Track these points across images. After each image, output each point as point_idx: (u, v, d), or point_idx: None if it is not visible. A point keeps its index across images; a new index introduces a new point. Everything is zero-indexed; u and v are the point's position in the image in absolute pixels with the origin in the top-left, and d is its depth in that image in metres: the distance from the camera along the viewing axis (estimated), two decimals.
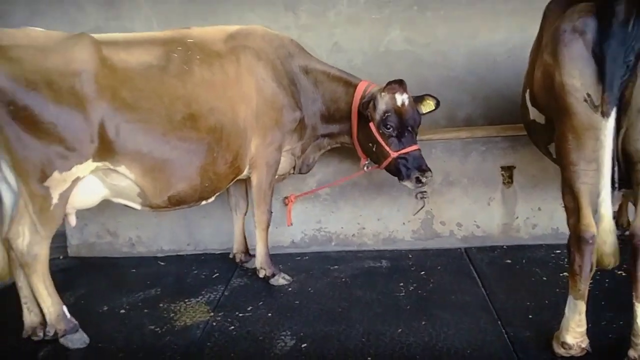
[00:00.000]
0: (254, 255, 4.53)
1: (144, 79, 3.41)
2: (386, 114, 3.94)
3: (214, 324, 3.68)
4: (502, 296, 3.85)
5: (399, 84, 3.92)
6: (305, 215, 4.92)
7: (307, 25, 5.36)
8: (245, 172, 4.10)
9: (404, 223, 4.88)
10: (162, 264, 4.86)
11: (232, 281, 4.39)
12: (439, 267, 4.43)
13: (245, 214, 4.61)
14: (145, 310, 3.93)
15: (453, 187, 4.80)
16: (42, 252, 3.27)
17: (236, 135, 3.75)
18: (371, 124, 4.01)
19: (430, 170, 4.00)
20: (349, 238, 4.93)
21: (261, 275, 4.26)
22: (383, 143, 3.99)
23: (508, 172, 4.75)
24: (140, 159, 3.41)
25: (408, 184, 4.05)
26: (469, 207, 4.82)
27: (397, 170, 4.06)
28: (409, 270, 4.40)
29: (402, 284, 4.14)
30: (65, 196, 3.27)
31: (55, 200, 3.22)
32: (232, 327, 3.62)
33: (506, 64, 5.31)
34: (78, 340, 3.47)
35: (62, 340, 3.44)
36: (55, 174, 3.17)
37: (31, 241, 3.22)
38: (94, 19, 5.36)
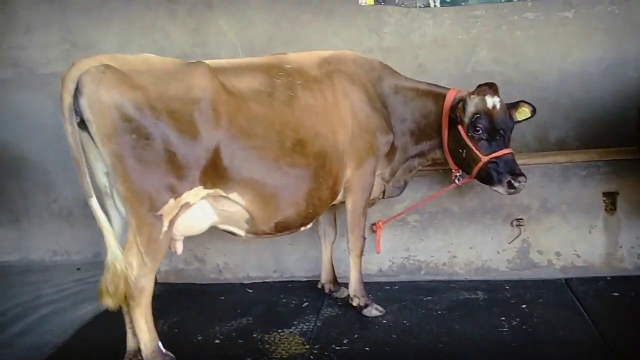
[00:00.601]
0: (342, 285, 4.48)
1: (257, 105, 3.40)
2: (475, 116, 3.77)
3: (312, 357, 3.60)
4: (615, 333, 3.61)
5: (489, 86, 3.79)
6: (394, 243, 4.79)
7: (391, 48, 5.30)
8: (339, 198, 4.04)
9: (498, 252, 4.67)
10: (250, 291, 4.82)
11: (322, 311, 4.30)
12: (540, 300, 4.21)
13: (333, 243, 4.53)
14: (240, 341, 3.89)
15: (551, 214, 4.57)
16: (148, 285, 3.23)
17: (336, 159, 3.74)
18: (460, 128, 3.86)
19: (524, 175, 3.78)
20: (439, 267, 4.76)
21: (354, 303, 4.15)
22: (473, 147, 3.83)
23: (611, 199, 4.49)
24: (253, 186, 3.40)
25: (499, 189, 3.85)
26: (569, 235, 4.58)
27: (488, 175, 3.86)
28: (509, 303, 4.20)
29: (503, 318, 3.94)
30: (173, 222, 3.23)
31: (165, 228, 3.18)
32: None
33: (602, 84, 5.09)
34: None
35: None
36: (170, 202, 3.13)
37: (139, 274, 3.15)
38: (180, 46, 5.46)
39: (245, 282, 4.98)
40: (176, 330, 4.12)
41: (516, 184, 3.76)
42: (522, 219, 4.57)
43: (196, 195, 3.26)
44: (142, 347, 3.33)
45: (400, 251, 4.78)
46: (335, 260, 4.61)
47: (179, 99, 3.09)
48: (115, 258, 3.07)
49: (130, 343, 3.55)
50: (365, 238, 4.13)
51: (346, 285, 4.42)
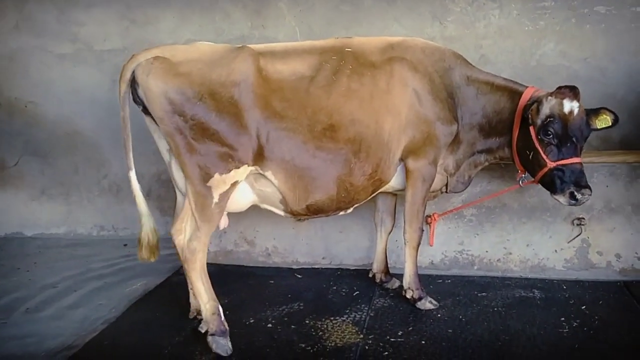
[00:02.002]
0: (394, 275, 4.42)
1: (292, 90, 3.51)
2: (549, 119, 3.59)
3: (367, 347, 3.54)
4: None
5: (570, 90, 3.58)
6: (447, 236, 4.70)
7: (453, 37, 5.17)
8: (392, 185, 3.98)
9: (555, 251, 4.55)
10: (299, 276, 4.77)
11: (374, 301, 4.23)
12: (600, 302, 4.07)
13: (390, 232, 4.45)
14: (293, 327, 3.85)
15: (615, 214, 4.42)
16: (200, 247, 3.46)
17: (377, 147, 3.68)
18: (531, 129, 3.70)
19: (589, 188, 3.61)
20: (493, 263, 4.65)
21: (408, 295, 4.08)
22: (540, 150, 3.68)
23: None
24: (283, 166, 3.52)
25: (560, 198, 3.69)
26: (631, 237, 4.42)
27: (551, 182, 3.71)
28: (567, 303, 4.07)
29: (563, 318, 3.83)
30: (224, 197, 3.45)
31: (215, 200, 3.41)
32: (387, 353, 3.47)
33: None
34: (222, 346, 3.49)
35: (209, 338, 3.51)
36: (217, 176, 3.37)
37: (191, 237, 3.46)
38: (239, 28, 5.42)
39: (294, 266, 4.95)
40: (227, 312, 4.03)
41: (579, 196, 3.60)
42: (583, 218, 4.44)
43: (243, 173, 3.47)
44: (203, 308, 3.57)
45: (454, 245, 4.70)
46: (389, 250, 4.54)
47: (220, 83, 3.33)
48: (143, 216, 3.54)
49: (193, 301, 3.93)
50: (423, 230, 4.03)
51: (397, 276, 4.35)
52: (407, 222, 3.98)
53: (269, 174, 3.55)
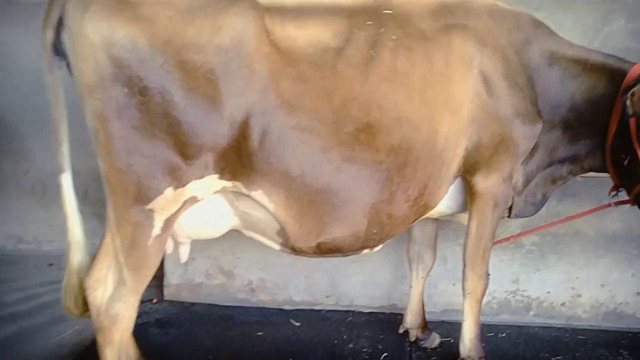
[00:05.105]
0: (432, 331, 3.41)
1: (312, 67, 2.49)
2: None
3: None
4: None
5: None
6: (498, 272, 3.64)
7: None
8: (439, 210, 2.94)
9: (638, 293, 3.63)
10: (297, 324, 3.61)
11: None
12: None
13: (429, 271, 3.36)
14: None
15: None
16: (126, 312, 2.50)
17: (428, 159, 2.71)
18: (632, 122, 2.70)
19: None
20: (555, 307, 3.70)
21: None
22: None
23: None
24: (286, 184, 2.53)
25: None
26: None
27: None
28: None
29: None
30: (170, 224, 2.48)
31: (156, 231, 2.43)
32: None
33: None
34: None
35: None
36: (168, 192, 2.37)
37: (113, 295, 2.48)
38: None
39: (287, 307, 3.83)
40: None
41: None
42: None
43: (208, 186, 2.51)
44: None
45: (507, 283, 3.74)
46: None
47: (198, 45, 2.33)
48: (73, 245, 2.54)
49: None
50: (489, 274, 2.94)
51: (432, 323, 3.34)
52: (469, 264, 2.91)
53: (258, 194, 2.54)
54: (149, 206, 2.37)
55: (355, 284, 3.82)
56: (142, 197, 2.36)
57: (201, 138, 2.36)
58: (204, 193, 2.49)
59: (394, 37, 2.65)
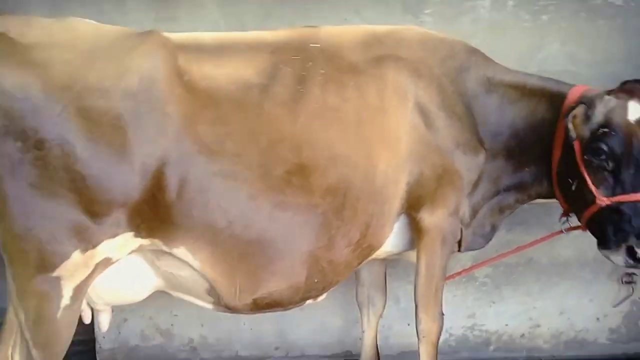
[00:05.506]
0: None
1: (234, 107, 2.37)
2: (602, 130, 2.48)
3: None
4: None
5: None
6: (453, 307, 3.49)
7: None
8: (386, 250, 2.76)
9: (598, 319, 3.60)
10: None
11: None
12: None
13: (381, 315, 3.17)
14: None
15: None
16: None
17: (368, 198, 2.56)
18: (576, 145, 2.57)
19: None
20: (515, 340, 3.63)
21: None
22: (587, 178, 2.53)
23: None
24: (212, 237, 2.34)
25: (613, 256, 2.49)
26: None
27: (601, 229, 2.55)
28: None
29: None
30: (82, 291, 2.27)
31: (65, 301, 2.21)
32: None
33: None
34: None
35: None
36: (75, 255, 2.17)
37: None
38: (137, 19, 3.95)
39: None
40: None
41: None
42: (634, 273, 3.47)
43: (123, 246, 2.30)
44: None
45: (463, 318, 3.64)
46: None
47: (102, 90, 2.18)
48: None
49: None
50: (443, 315, 2.78)
51: None
52: (422, 306, 2.73)
53: (180, 251, 2.33)
54: (55, 273, 2.15)
55: (305, 332, 3.65)
56: (46, 264, 2.14)
57: (110, 193, 2.17)
58: (119, 254, 2.28)
59: (322, 71, 2.55)
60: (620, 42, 4.01)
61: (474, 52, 2.94)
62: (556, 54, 4.06)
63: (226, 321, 3.57)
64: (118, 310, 3.49)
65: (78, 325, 2.53)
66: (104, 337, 3.55)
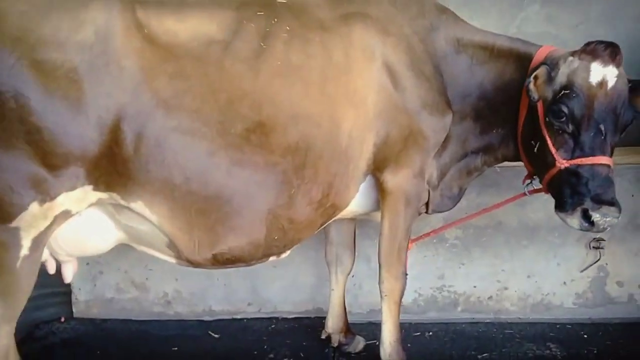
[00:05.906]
0: (356, 334, 3.23)
1: (194, 63, 2.30)
2: (563, 92, 2.42)
3: None
4: None
5: (605, 48, 2.41)
6: (423, 268, 3.52)
7: None
8: (353, 210, 2.74)
9: (564, 282, 3.53)
10: (216, 336, 3.38)
11: None
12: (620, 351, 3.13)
13: (349, 274, 3.18)
14: None
15: None
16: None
17: (331, 158, 2.50)
18: (539, 107, 2.52)
19: (615, 206, 2.38)
20: (482, 302, 3.56)
21: None
22: (548, 140, 2.49)
23: None
24: (169, 193, 2.30)
25: (569, 219, 2.44)
26: None
27: (559, 191, 2.51)
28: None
29: None
30: (41, 242, 2.24)
31: (24, 251, 2.19)
32: None
33: None
34: None
35: None
36: (33, 207, 2.14)
37: None
38: None
39: (206, 318, 3.58)
40: None
41: (596, 217, 2.35)
42: (602, 239, 3.41)
43: (82, 199, 2.26)
44: None
45: (432, 279, 3.58)
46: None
47: (56, 42, 2.12)
48: None
49: None
50: (407, 274, 2.77)
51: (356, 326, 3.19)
52: (385, 265, 2.73)
53: (137, 205, 2.30)
54: (13, 224, 2.13)
55: (278, 289, 3.60)
56: (4, 214, 2.11)
57: (66, 146, 2.12)
58: (78, 206, 2.24)
59: (287, 28, 2.46)
60: (602, 5, 3.90)
61: (444, 11, 2.85)
62: (535, 15, 3.96)
63: (200, 276, 3.53)
64: (93, 263, 3.51)
65: (55, 276, 2.55)
66: (79, 289, 3.55)
